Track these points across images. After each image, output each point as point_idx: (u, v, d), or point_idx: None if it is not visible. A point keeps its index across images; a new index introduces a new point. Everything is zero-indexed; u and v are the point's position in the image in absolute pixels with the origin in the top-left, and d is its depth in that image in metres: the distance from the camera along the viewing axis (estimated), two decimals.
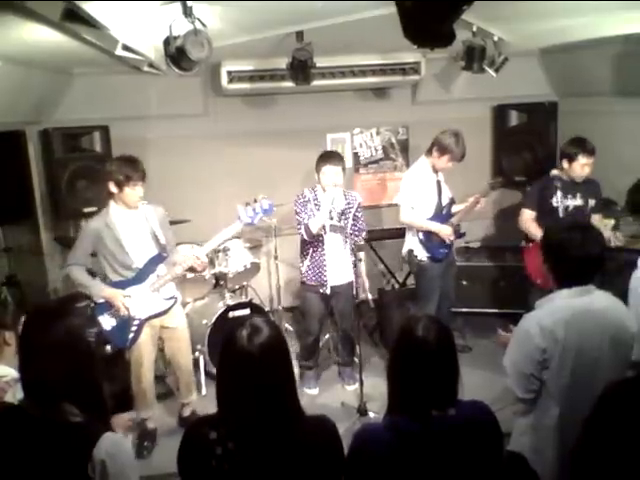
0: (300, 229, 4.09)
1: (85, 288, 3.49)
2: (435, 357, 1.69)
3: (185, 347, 3.89)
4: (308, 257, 4.21)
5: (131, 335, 3.55)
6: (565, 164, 4.08)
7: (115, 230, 3.48)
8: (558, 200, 4.11)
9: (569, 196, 4.10)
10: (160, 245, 3.60)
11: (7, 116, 4.30)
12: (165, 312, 3.67)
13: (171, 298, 3.70)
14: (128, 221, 3.53)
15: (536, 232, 4.10)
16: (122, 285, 3.53)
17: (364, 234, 4.30)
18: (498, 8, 3.23)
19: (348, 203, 4.19)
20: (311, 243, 4.16)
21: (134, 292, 3.53)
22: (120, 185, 3.42)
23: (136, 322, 3.55)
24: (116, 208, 3.52)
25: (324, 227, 4.06)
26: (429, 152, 4.26)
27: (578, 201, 4.11)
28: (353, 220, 4.20)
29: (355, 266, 3.95)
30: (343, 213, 4.11)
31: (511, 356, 2.30)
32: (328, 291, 4.18)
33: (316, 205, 4.06)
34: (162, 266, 3.63)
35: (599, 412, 1.72)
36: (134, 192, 3.45)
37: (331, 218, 4.05)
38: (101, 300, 3.48)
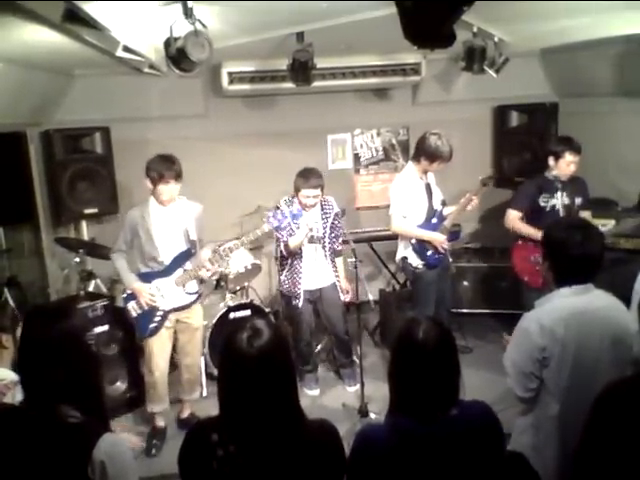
0: (280, 245, 4.16)
1: (120, 277, 3.80)
2: (436, 358, 1.68)
3: (197, 345, 3.95)
4: (286, 268, 4.28)
5: (153, 325, 3.69)
6: (551, 162, 4.10)
7: (148, 222, 3.60)
8: (546, 199, 4.13)
9: (556, 195, 4.10)
10: (190, 241, 3.68)
11: (8, 117, 4.31)
12: (188, 306, 3.79)
13: (194, 293, 3.82)
14: (163, 216, 3.64)
15: (527, 230, 4.13)
16: (149, 277, 3.67)
17: (340, 240, 4.33)
18: (498, 9, 3.24)
19: (325, 213, 4.22)
20: (289, 254, 4.21)
21: (160, 284, 3.67)
22: (154, 182, 3.52)
23: (159, 313, 3.69)
24: (154, 203, 3.63)
25: (300, 244, 4.11)
26: (416, 159, 4.19)
27: (565, 199, 4.11)
28: (331, 229, 4.24)
29: (356, 267, 3.94)
30: (316, 223, 4.15)
31: (511, 355, 2.30)
32: (300, 303, 4.23)
33: (295, 223, 3.96)
34: (190, 262, 3.72)
35: (598, 413, 1.72)
36: (167, 189, 3.53)
37: (310, 229, 4.07)
38: (129, 291, 3.69)
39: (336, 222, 4.27)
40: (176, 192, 3.60)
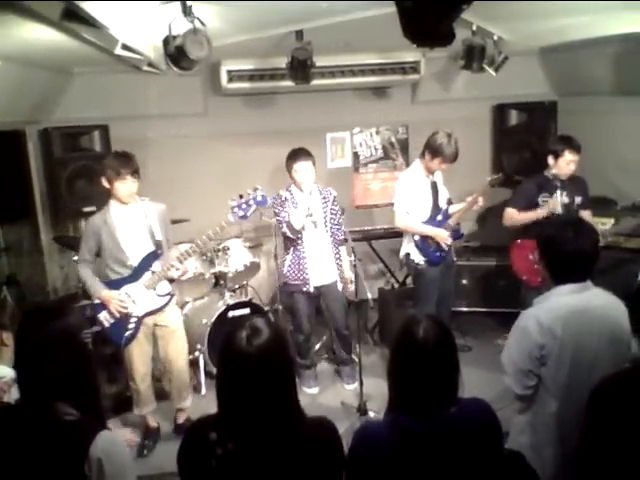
0: (282, 228, 4.15)
1: (87, 287, 3.63)
2: (435, 356, 1.69)
3: (179, 348, 3.80)
4: (289, 257, 4.26)
5: (128, 332, 3.57)
6: (551, 160, 4.10)
7: (112, 226, 3.50)
8: (545, 198, 4.12)
9: (555, 194, 4.09)
10: (156, 242, 3.59)
11: (7, 115, 4.30)
12: (162, 308, 3.68)
13: (167, 295, 3.70)
14: (125, 217, 3.54)
15: (526, 216, 4.13)
16: (118, 284, 3.54)
17: (343, 227, 4.30)
18: (498, 7, 3.24)
19: (324, 198, 4.25)
20: (291, 242, 4.21)
21: (130, 290, 3.55)
22: (110, 180, 3.44)
23: (133, 320, 3.57)
24: (115, 205, 3.54)
25: (303, 225, 4.10)
26: (422, 155, 4.23)
27: (564, 199, 4.10)
28: (331, 214, 4.26)
29: (355, 266, 3.94)
30: (315, 208, 4.13)
31: (509, 353, 2.31)
32: (311, 289, 4.21)
33: (294, 204, 4.12)
34: (157, 263, 3.61)
35: (594, 407, 1.72)
36: (124, 186, 3.45)
37: (310, 214, 4.07)
38: (97, 300, 3.55)
39: (335, 208, 4.28)
40: (134, 189, 3.49)
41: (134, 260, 3.54)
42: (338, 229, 4.30)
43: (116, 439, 1.66)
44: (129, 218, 3.55)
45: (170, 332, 3.75)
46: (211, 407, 1.69)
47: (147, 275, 3.58)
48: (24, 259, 5.17)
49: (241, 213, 3.60)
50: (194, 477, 1.64)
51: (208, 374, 4.41)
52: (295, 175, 4.13)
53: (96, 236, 3.51)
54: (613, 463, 1.62)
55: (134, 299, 3.55)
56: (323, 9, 3.18)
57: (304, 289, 4.23)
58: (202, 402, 4.10)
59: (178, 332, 3.80)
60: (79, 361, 1.70)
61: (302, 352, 4.49)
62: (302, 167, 4.10)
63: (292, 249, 4.24)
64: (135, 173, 3.47)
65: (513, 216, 4.25)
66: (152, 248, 3.58)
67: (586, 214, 4.11)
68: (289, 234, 4.14)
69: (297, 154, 4.15)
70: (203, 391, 4.37)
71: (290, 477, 1.60)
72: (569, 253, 2.20)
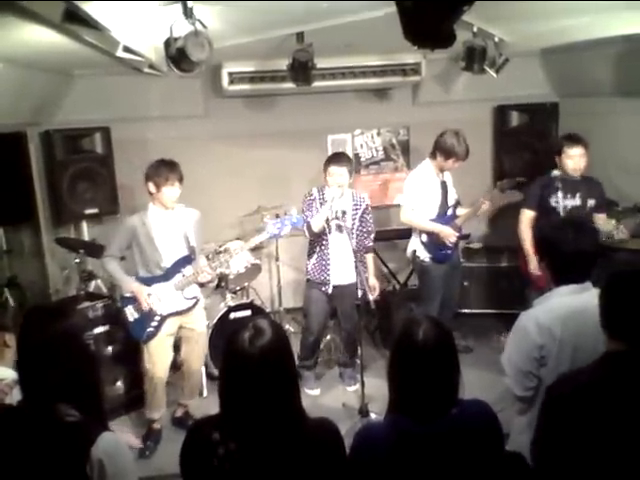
0: (303, 226, 4.13)
1: (116, 280, 3.79)
2: (436, 358, 1.68)
3: (200, 351, 3.96)
4: (314, 255, 4.26)
5: (150, 329, 3.66)
6: (557, 160, 4.10)
7: (150, 228, 3.62)
8: (558, 200, 4.10)
9: (568, 196, 4.08)
10: (190, 247, 3.71)
11: (8, 117, 4.31)
12: (186, 311, 3.78)
13: (193, 298, 3.81)
14: (163, 221, 3.67)
15: (526, 236, 4.13)
16: (149, 281, 3.66)
17: (372, 236, 4.32)
18: (498, 8, 3.23)
19: (355, 204, 4.23)
20: (317, 242, 4.21)
21: (159, 289, 3.66)
22: (159, 185, 3.55)
23: (157, 318, 3.67)
24: (154, 209, 3.66)
25: (329, 226, 4.10)
26: (433, 155, 4.27)
27: (577, 201, 4.08)
28: (361, 221, 4.24)
29: (365, 268, 3.95)
30: (345, 213, 4.09)
31: (509, 354, 2.31)
32: (330, 290, 4.21)
33: (322, 204, 4.13)
34: (189, 267, 3.72)
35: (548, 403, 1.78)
36: (171, 192, 3.58)
37: (336, 218, 4.05)
38: (128, 294, 3.65)
39: (367, 216, 4.28)
40: (178, 194, 3.63)
41: (167, 262, 3.66)
42: (366, 237, 4.28)
43: (118, 440, 1.66)
44: (167, 222, 3.68)
45: (196, 335, 3.89)
46: (213, 409, 1.69)
47: (178, 277, 3.69)
48: (25, 261, 5.17)
49: (275, 231, 3.74)
50: (196, 477, 1.64)
51: (210, 376, 4.41)
52: (329, 178, 4.12)
53: (131, 235, 3.63)
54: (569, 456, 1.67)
55: (160, 297, 3.65)
56: (324, 11, 3.18)
57: (322, 289, 4.24)
58: (204, 404, 4.09)
59: (203, 336, 3.98)
60: (81, 362, 1.70)
61: (308, 353, 4.49)
62: (336, 172, 4.08)
63: (317, 249, 4.23)
64: (181, 180, 3.62)
65: (524, 224, 4.21)
66: (186, 252, 3.70)
67: (600, 217, 4.06)
68: (307, 234, 4.15)
69: (335, 158, 4.18)
70: (205, 393, 4.36)
71: (292, 478, 1.60)
72: (569, 253, 2.20)
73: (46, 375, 1.62)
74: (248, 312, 4.55)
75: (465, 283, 5.25)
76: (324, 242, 4.18)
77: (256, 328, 1.62)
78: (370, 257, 4.40)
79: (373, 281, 4.34)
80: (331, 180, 4.09)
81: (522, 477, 1.74)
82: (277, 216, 3.78)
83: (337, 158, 4.17)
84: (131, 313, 3.67)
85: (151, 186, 3.59)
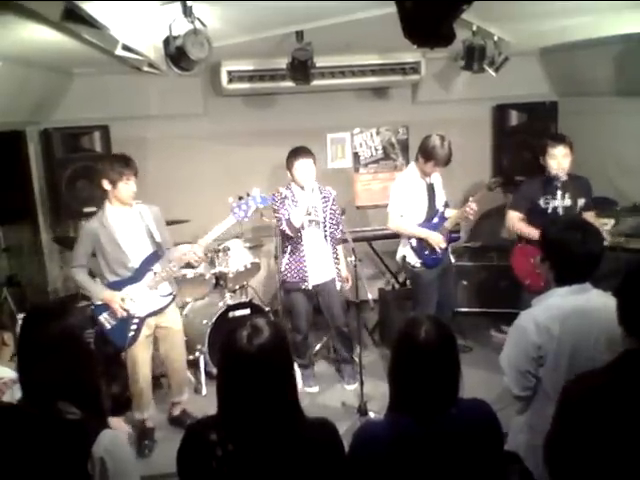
0: (281, 225, 4.13)
1: (85, 290, 3.66)
2: (437, 358, 1.69)
3: (179, 347, 3.89)
4: (287, 255, 4.25)
5: (131, 334, 3.57)
6: (542, 161, 4.05)
7: (111, 229, 3.51)
8: (547, 201, 4.06)
9: (557, 196, 4.03)
10: (156, 243, 3.62)
11: (7, 116, 4.30)
12: (164, 309, 3.71)
13: (169, 295, 3.73)
14: (123, 220, 3.56)
15: (528, 230, 4.06)
16: (119, 285, 3.55)
17: (341, 227, 4.28)
18: (498, 8, 3.24)
19: (324, 197, 4.25)
20: (289, 240, 4.21)
21: (131, 291, 3.55)
22: (114, 181, 3.46)
23: (135, 321, 3.57)
24: (111, 208, 3.55)
25: (302, 223, 4.10)
26: (417, 157, 4.19)
27: (567, 201, 4.03)
28: (331, 214, 4.26)
29: (355, 267, 3.93)
30: (316, 208, 4.13)
31: (507, 353, 2.31)
32: (310, 287, 4.22)
33: (294, 202, 4.12)
34: (158, 264, 3.63)
35: (563, 403, 1.76)
36: (128, 187, 3.49)
37: (309, 213, 4.08)
38: (99, 302, 3.54)
39: (335, 207, 4.28)
40: (135, 189, 3.53)
41: (135, 262, 3.55)
42: (336, 229, 4.30)
43: (119, 438, 1.66)
44: (126, 220, 3.57)
45: (173, 333, 3.80)
46: (211, 407, 1.69)
47: (149, 276, 3.59)
48: (24, 260, 5.17)
49: (242, 214, 3.61)
50: (193, 477, 1.64)
51: (208, 374, 4.41)
52: (296, 173, 4.12)
53: (93, 240, 3.52)
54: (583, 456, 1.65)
55: (135, 299, 3.55)
56: (324, 9, 3.18)
57: (302, 286, 4.23)
58: (202, 402, 4.10)
59: (179, 333, 3.87)
60: (81, 360, 1.70)
61: (300, 351, 4.50)
62: (303, 165, 4.10)
63: (290, 247, 4.23)
64: (136, 174, 3.52)
65: (515, 222, 4.19)
66: (152, 249, 3.60)
67: (589, 215, 4.03)
68: (288, 232, 4.12)
69: (298, 152, 4.15)
70: (204, 392, 4.36)
71: (290, 478, 1.60)
72: (579, 255, 2.20)
73: (46, 373, 1.62)
74: (247, 311, 4.55)
75: (463, 282, 5.25)
76: (298, 239, 4.18)
77: (254, 327, 1.62)
78: (341, 249, 4.41)
79: (346, 273, 4.37)
80: (299, 174, 4.09)
81: (516, 476, 1.74)
82: (240, 198, 3.63)
83: (302, 151, 4.14)
84: (107, 320, 3.54)
85: (105, 183, 3.48)
